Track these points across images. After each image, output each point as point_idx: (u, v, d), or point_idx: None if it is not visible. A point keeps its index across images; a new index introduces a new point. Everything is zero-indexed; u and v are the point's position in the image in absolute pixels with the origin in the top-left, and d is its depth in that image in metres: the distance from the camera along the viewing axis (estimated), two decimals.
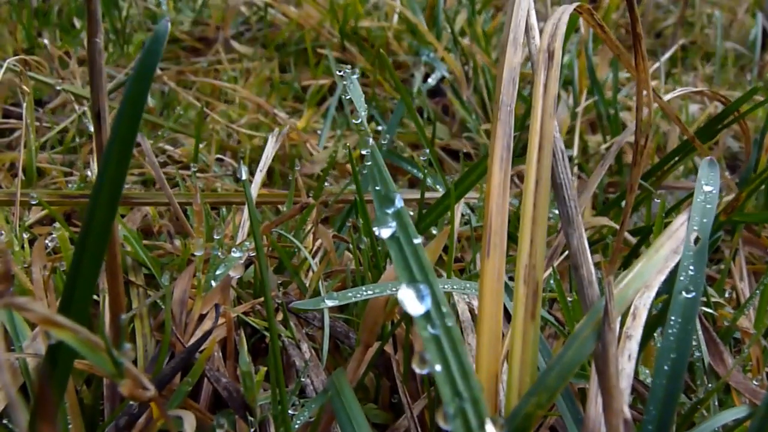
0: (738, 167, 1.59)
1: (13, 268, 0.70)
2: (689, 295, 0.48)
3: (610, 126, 1.48)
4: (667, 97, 0.93)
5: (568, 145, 1.45)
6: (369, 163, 0.52)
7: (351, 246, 0.87)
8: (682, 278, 0.49)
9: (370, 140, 0.55)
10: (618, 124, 1.49)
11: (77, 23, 1.96)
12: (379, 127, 1.54)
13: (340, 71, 0.65)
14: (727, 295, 1.11)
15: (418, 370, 0.39)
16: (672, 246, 0.50)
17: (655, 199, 0.95)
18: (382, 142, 1.25)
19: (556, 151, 0.50)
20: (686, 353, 0.46)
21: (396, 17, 2.00)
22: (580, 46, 1.61)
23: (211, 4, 2.23)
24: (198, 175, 1.17)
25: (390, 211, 0.46)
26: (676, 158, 1.09)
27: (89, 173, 1.11)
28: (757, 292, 0.89)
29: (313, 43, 1.85)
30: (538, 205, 0.46)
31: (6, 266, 0.32)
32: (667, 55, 1.92)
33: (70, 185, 1.14)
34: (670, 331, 0.46)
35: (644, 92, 0.87)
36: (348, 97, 1.51)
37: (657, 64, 1.84)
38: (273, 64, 1.77)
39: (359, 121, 0.60)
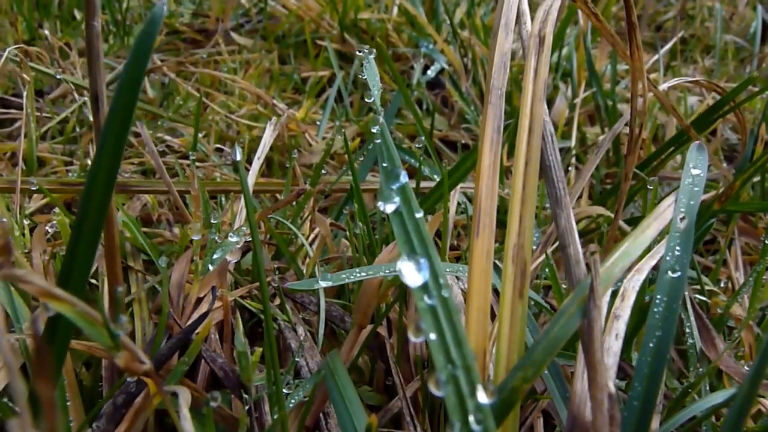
0: (735, 158, 1.60)
1: (14, 252, 0.71)
2: (675, 275, 0.48)
3: (609, 118, 1.49)
4: (663, 87, 0.93)
5: (566, 136, 1.46)
6: (378, 140, 0.53)
7: (348, 234, 0.88)
8: (668, 258, 0.49)
9: (381, 118, 0.56)
10: (616, 115, 1.49)
11: (78, 15, 1.97)
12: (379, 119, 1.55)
13: (360, 51, 0.66)
14: (722, 285, 1.12)
15: (413, 338, 0.40)
16: (658, 226, 0.50)
17: (649, 186, 0.96)
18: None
19: (545, 134, 0.50)
20: (671, 331, 0.47)
21: (396, 9, 2.00)
22: (578, 38, 1.61)
23: None
24: (197, 164, 1.18)
25: (395, 186, 0.46)
26: (672, 148, 1.09)
27: (89, 162, 1.12)
28: (750, 279, 0.90)
29: (312, 35, 1.86)
30: (527, 185, 0.46)
31: (5, 239, 0.33)
32: (667, 47, 1.92)
33: (70, 174, 1.15)
34: (655, 309, 0.47)
35: (640, 82, 0.88)
36: (348, 89, 1.51)
37: (656, 57, 1.85)
38: (273, 55, 1.77)
39: (372, 99, 0.61)
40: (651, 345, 0.46)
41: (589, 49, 1.54)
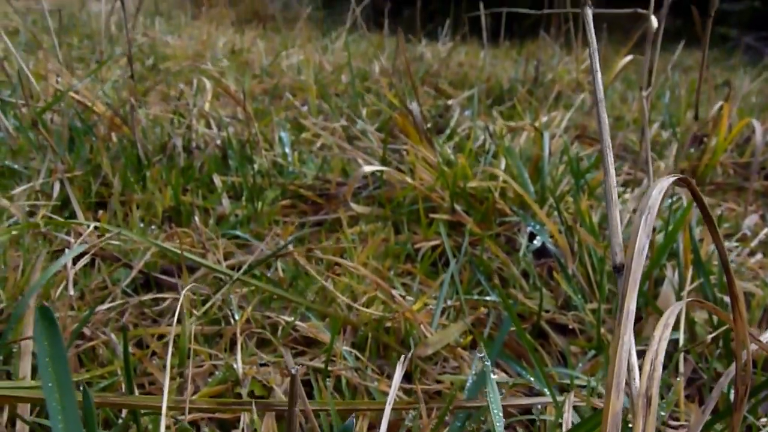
0: None
1: None
2: None
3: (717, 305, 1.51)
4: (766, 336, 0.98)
5: (674, 327, 1.48)
6: None
7: None
8: None
9: None
10: (724, 305, 1.51)
11: (216, 181, 2.21)
12: (487, 298, 1.64)
13: (479, 353, 0.75)
14: None
15: None
16: None
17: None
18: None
19: None
20: None
21: (502, 174, 2.12)
22: (684, 224, 1.66)
23: (332, 153, 2.45)
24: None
25: None
26: None
27: (234, 364, 1.27)
28: None
29: (424, 204, 2.00)
30: None
31: None
32: None
33: (217, 372, 1.30)
34: None
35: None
36: (458, 262, 1.61)
37: (766, 230, 1.86)
38: (388, 227, 1.92)
39: None
40: None
41: (694, 238, 1.58)
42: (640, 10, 1.69)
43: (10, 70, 2.91)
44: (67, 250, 1.47)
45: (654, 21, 1.65)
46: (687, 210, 1.47)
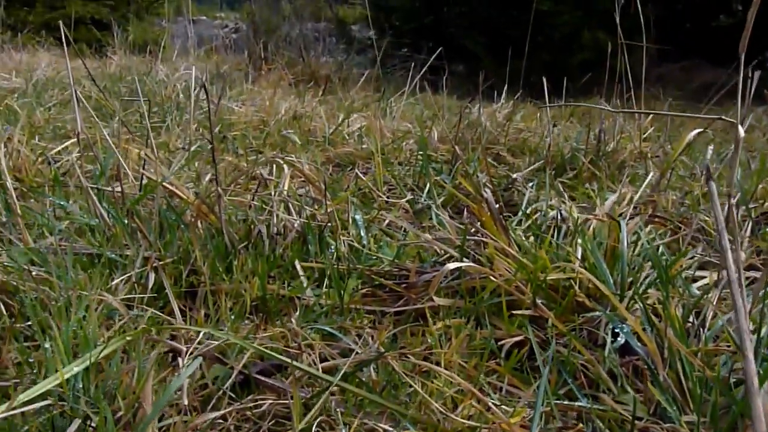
0: None
1: None
2: None
3: None
4: None
5: None
6: None
7: None
8: None
9: None
10: None
11: (299, 267, 2.28)
12: (577, 403, 1.65)
13: None
14: None
15: None
16: None
17: None
18: None
19: None
20: None
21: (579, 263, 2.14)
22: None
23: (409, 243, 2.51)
24: None
25: None
26: None
27: None
28: None
29: (506, 298, 2.04)
30: None
31: None
32: None
33: None
34: None
35: None
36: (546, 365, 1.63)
37: None
38: (471, 322, 1.96)
39: None
40: None
41: None
42: (724, 118, 1.73)
43: (88, 137, 3.07)
44: (180, 361, 1.55)
45: (741, 131, 1.68)
46: None
